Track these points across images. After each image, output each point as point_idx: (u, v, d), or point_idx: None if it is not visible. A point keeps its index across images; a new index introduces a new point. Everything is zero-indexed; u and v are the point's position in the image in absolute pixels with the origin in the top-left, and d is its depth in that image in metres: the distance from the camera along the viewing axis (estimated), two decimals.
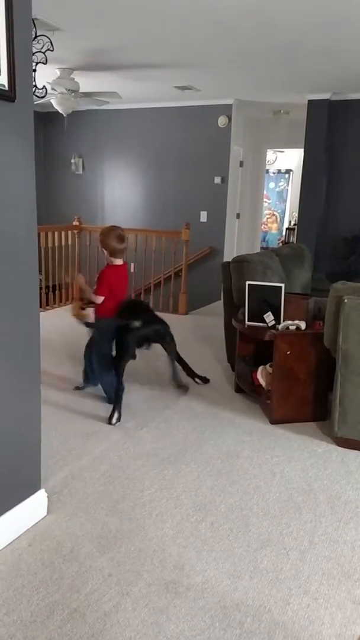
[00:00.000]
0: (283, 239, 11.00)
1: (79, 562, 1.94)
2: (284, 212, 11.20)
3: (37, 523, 2.15)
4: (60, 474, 2.53)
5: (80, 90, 5.59)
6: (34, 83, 3.00)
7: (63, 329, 5.15)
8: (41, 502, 2.19)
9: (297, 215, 7.94)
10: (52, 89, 5.44)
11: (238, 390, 3.66)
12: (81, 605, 1.74)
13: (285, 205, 11.17)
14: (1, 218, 1.80)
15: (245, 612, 1.74)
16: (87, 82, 5.82)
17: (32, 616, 1.69)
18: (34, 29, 3.83)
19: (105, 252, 3.30)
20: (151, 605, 1.75)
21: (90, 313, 3.46)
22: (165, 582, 1.86)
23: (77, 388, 3.56)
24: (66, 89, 5.45)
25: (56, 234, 6.32)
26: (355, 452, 2.87)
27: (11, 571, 1.89)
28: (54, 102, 5.57)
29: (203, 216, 7.26)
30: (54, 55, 4.42)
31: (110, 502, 2.32)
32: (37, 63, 3.92)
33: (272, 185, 10.99)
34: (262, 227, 9.75)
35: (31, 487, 2.15)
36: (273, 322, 3.24)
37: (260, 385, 3.36)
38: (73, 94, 5.52)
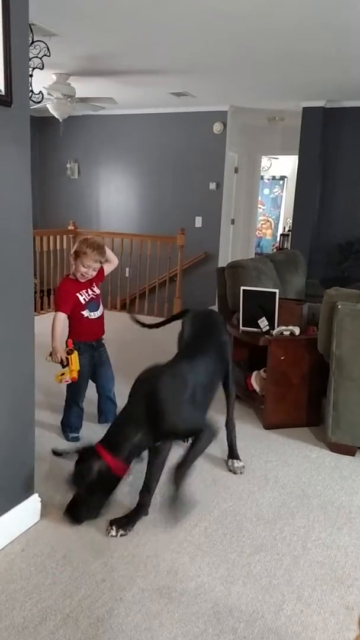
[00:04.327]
0: (277, 244, 11.05)
1: (72, 567, 1.94)
2: (278, 218, 11.24)
3: (30, 528, 2.14)
4: (54, 478, 2.52)
5: (77, 96, 5.61)
6: (30, 88, 3.00)
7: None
8: (34, 507, 2.18)
9: (291, 221, 7.98)
10: (49, 94, 5.45)
11: None
12: (74, 611, 1.73)
13: (279, 212, 11.21)
14: None
15: (238, 618, 1.73)
16: (83, 88, 5.84)
17: (24, 622, 1.68)
18: (31, 35, 3.84)
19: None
20: (144, 611, 1.75)
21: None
22: (158, 587, 1.86)
23: None
24: (62, 94, 5.47)
25: (51, 238, 6.32)
26: (349, 457, 2.88)
27: (4, 576, 1.88)
28: (50, 107, 5.58)
29: (198, 222, 7.28)
30: (51, 61, 4.43)
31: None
32: (33, 68, 3.93)
33: (266, 191, 11.04)
34: (257, 233, 9.78)
35: (24, 492, 2.14)
36: (267, 328, 3.25)
37: (254, 391, 3.36)
38: (69, 99, 5.54)
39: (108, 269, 2.99)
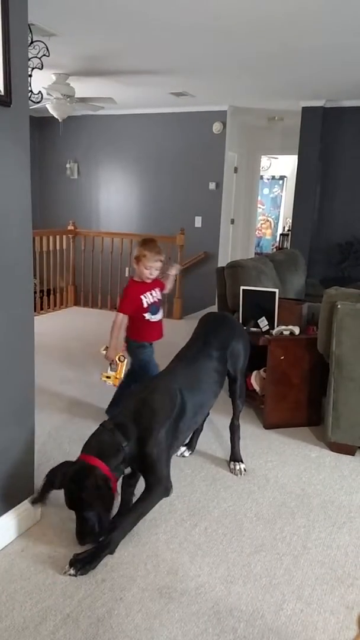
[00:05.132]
0: (277, 244, 11.05)
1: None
2: (278, 218, 11.25)
3: (30, 528, 2.14)
4: None
5: (76, 96, 5.61)
6: (29, 88, 3.00)
7: (57, 332, 5.13)
8: (34, 507, 2.17)
9: (291, 221, 7.98)
10: (48, 94, 5.45)
11: None
12: (74, 611, 1.73)
13: (279, 211, 11.21)
14: None
15: (238, 618, 1.73)
16: (82, 88, 5.84)
17: (24, 622, 1.68)
18: (30, 35, 3.84)
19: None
20: (145, 611, 1.75)
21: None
22: (158, 587, 1.86)
23: None
24: (62, 94, 5.47)
25: (51, 238, 6.33)
26: (349, 456, 2.88)
27: (4, 576, 1.88)
28: (49, 107, 5.58)
29: (198, 221, 7.28)
30: (50, 61, 4.43)
31: None
32: (32, 68, 3.93)
33: (266, 191, 11.04)
34: (256, 233, 9.78)
35: (24, 492, 2.14)
36: (267, 327, 3.25)
37: (254, 390, 3.36)
38: (68, 99, 5.54)
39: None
